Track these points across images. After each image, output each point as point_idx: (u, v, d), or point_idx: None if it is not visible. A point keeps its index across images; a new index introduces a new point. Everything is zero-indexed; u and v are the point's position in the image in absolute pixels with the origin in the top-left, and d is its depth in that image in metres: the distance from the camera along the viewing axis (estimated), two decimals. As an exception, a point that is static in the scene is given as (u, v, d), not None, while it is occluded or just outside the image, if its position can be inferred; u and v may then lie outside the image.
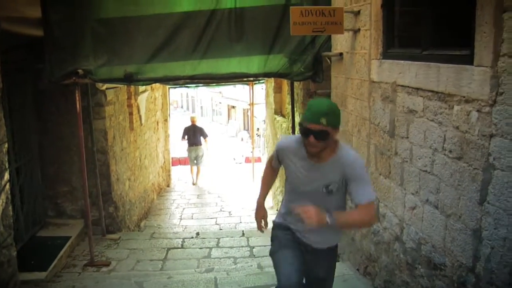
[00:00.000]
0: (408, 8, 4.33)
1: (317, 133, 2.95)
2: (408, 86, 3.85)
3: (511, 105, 2.60)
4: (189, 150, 14.61)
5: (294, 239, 3.44)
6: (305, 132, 3.01)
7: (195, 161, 14.68)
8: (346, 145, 3.34)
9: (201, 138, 14.64)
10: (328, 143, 3.04)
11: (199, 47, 6.10)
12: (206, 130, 15.11)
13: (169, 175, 14.74)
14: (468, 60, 2.96)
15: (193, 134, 14.53)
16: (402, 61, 3.97)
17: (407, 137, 3.92)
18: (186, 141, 14.60)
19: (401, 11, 4.36)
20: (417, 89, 3.69)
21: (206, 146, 14.81)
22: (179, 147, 16.75)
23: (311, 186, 3.21)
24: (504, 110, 2.64)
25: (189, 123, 14.82)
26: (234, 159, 24.44)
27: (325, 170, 3.15)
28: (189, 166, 15.24)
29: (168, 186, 14.30)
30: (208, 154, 15.34)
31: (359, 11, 4.93)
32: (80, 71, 5.89)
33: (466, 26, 3.00)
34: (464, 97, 3.01)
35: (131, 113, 9.22)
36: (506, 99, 2.63)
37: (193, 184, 14.84)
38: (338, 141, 3.18)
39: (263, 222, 3.76)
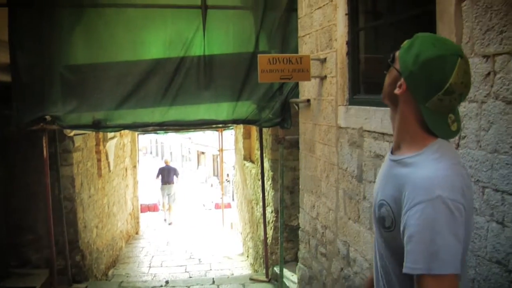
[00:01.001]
0: (372, 55, 4.46)
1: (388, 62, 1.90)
2: (374, 132, 3.93)
3: (474, 149, 2.67)
4: (162, 188, 16.26)
5: None
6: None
7: (168, 199, 16.15)
8: (447, 148, 1.76)
9: (174, 177, 16.42)
10: (388, 77, 1.88)
11: (168, 94, 6.14)
12: (178, 170, 17.19)
13: (138, 222, 14.54)
14: (431, 105, 3.05)
15: (167, 174, 16.32)
16: (368, 107, 4.06)
17: (375, 182, 3.96)
18: (160, 180, 16.26)
19: (365, 58, 4.48)
20: (383, 134, 3.76)
21: (178, 184, 16.65)
22: (148, 194, 17.71)
23: (375, 198, 1.92)
24: (467, 153, 2.72)
25: (163, 165, 16.97)
26: (204, 205, 24.24)
27: (389, 170, 1.84)
28: (159, 211, 16.89)
29: (137, 233, 14.07)
30: (179, 192, 17.21)
31: (325, 59, 5.04)
32: (48, 117, 5.85)
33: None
34: (428, 141, 3.08)
35: (99, 160, 9.13)
36: (468, 142, 2.71)
37: (169, 224, 15.84)
38: (433, 138, 1.74)
39: None
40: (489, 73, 2.55)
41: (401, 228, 1.62)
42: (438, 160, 1.67)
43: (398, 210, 1.67)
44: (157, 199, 19.12)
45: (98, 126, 6.10)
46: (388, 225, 1.74)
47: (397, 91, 1.77)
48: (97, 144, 9.06)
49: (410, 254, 1.56)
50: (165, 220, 15.91)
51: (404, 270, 1.58)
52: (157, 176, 16.52)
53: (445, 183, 1.59)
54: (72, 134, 7.00)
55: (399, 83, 1.77)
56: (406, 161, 1.73)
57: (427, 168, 1.64)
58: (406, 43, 1.83)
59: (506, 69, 2.43)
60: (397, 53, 1.84)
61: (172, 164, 18.36)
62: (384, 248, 1.82)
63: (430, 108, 1.70)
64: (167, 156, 45.68)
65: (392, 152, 1.88)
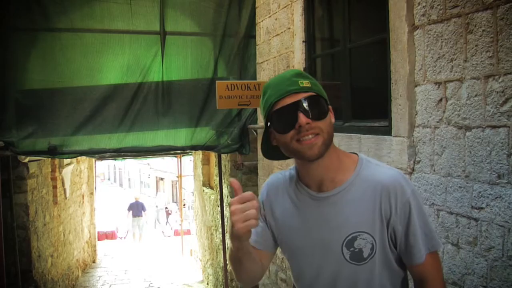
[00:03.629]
0: (329, 81, 4.53)
1: (307, 103, 1.59)
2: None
3: (428, 173, 2.73)
4: (133, 220, 19.09)
5: None
6: (281, 118, 1.61)
7: (138, 229, 18.93)
8: (371, 158, 1.79)
9: (142, 211, 19.39)
10: (330, 127, 1.63)
11: (126, 120, 6.09)
12: (146, 205, 20.37)
13: (95, 250, 14.22)
14: (387, 131, 3.12)
15: (136, 208, 19.29)
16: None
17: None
18: (131, 214, 19.20)
19: (323, 85, 4.54)
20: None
21: (145, 217, 19.72)
22: (105, 221, 19.52)
23: (318, 245, 1.72)
24: (422, 177, 2.78)
25: (133, 200, 20.05)
26: (163, 232, 23.95)
27: (339, 206, 1.68)
28: (116, 239, 19.86)
29: (94, 261, 13.74)
30: (147, 223, 20.29)
31: (283, 85, 5.09)
32: (1, 143, 5.71)
33: (383, 98, 3.18)
34: (384, 166, 3.14)
35: (55, 187, 8.93)
36: (423, 167, 2.77)
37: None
38: (354, 155, 1.76)
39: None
40: (441, 99, 2.62)
41: (389, 232, 1.67)
42: (380, 162, 1.81)
43: (379, 226, 1.65)
44: (127, 230, 21.35)
45: (53, 152, 5.99)
46: (368, 252, 1.66)
47: (333, 119, 1.69)
48: (53, 171, 8.87)
49: (418, 242, 1.66)
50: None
51: (419, 260, 1.67)
52: (128, 210, 19.42)
53: (404, 175, 1.73)
54: (26, 160, 6.84)
55: (330, 111, 1.68)
56: (358, 180, 1.69)
57: (386, 172, 1.71)
58: (308, 82, 1.65)
59: (457, 95, 2.51)
60: (308, 86, 1.64)
61: (128, 193, 21.49)
62: (358, 278, 1.70)
63: None
64: (124, 183, 45.43)
65: (317, 192, 1.72)
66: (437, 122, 2.66)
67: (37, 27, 5.98)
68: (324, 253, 1.70)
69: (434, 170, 2.70)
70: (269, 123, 1.66)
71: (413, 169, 2.86)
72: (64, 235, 9.67)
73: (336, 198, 1.69)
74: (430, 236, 1.68)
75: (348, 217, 1.67)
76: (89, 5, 6.19)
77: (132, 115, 6.09)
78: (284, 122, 1.60)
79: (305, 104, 1.58)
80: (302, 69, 4.59)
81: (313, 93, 1.62)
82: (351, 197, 1.67)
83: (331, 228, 1.69)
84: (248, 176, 7.08)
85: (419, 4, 2.79)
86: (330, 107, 1.67)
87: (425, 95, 2.74)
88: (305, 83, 1.62)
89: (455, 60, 2.52)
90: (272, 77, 1.79)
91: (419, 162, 2.82)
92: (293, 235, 1.79)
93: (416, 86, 2.82)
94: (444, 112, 2.61)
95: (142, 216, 19.29)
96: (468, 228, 2.49)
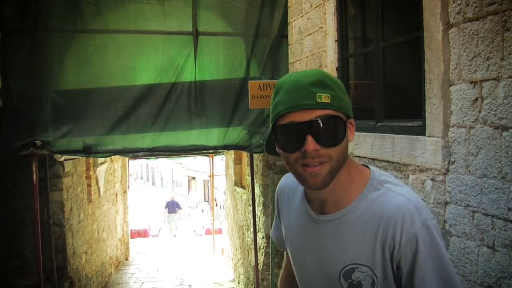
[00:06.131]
0: (361, 81, 4.50)
1: (321, 125, 1.35)
2: (364, 157, 3.94)
3: (463, 174, 2.69)
4: (168, 217, 22.43)
5: None
6: (287, 135, 1.40)
7: (173, 224, 22.10)
8: (388, 175, 1.53)
9: (177, 208, 22.60)
10: (342, 152, 1.41)
11: (159, 119, 6.14)
12: (180, 204, 23.88)
13: (128, 248, 14.40)
14: (421, 131, 3.08)
15: (172, 206, 22.60)
16: (357, 133, 4.08)
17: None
18: (167, 211, 22.51)
19: (355, 84, 4.52)
20: (373, 159, 3.78)
21: (179, 214, 22.91)
22: (138, 219, 20.86)
23: (318, 269, 1.56)
24: (457, 178, 2.73)
25: (169, 199, 23.68)
26: (195, 231, 24.17)
27: (338, 232, 1.49)
28: (149, 237, 21.10)
29: (126, 259, 13.92)
30: (181, 220, 23.43)
31: (316, 84, 5.07)
32: (38, 142, 5.83)
33: (417, 98, 3.14)
34: (418, 166, 3.10)
35: (89, 185, 9.07)
36: (457, 167, 2.73)
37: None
38: (366, 172, 1.51)
39: None
40: (476, 99, 2.58)
41: (394, 269, 1.40)
42: (395, 183, 1.48)
43: (381, 261, 1.41)
44: (160, 228, 24.05)
45: (88, 151, 6.08)
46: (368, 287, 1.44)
47: (352, 136, 1.46)
48: (88, 169, 9.01)
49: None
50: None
51: None
52: (165, 207, 22.87)
53: (419, 203, 1.42)
54: (62, 159, 6.97)
55: (350, 127, 1.45)
56: (362, 206, 1.45)
57: (395, 198, 1.41)
58: (327, 96, 1.36)
59: (494, 94, 2.46)
60: (335, 112, 1.39)
61: (162, 193, 23.09)
62: None
63: None
64: (157, 182, 46.30)
65: (318, 213, 1.54)
66: (473, 122, 2.62)
67: (73, 29, 6.08)
68: (323, 278, 1.54)
69: (469, 171, 2.66)
70: (274, 134, 1.44)
71: (447, 170, 2.82)
72: (98, 232, 9.82)
73: (336, 223, 1.48)
74: (447, 282, 1.36)
75: (346, 246, 1.46)
76: (123, 6, 6.26)
77: (166, 115, 6.14)
78: (289, 141, 1.39)
79: (318, 126, 1.34)
80: (335, 69, 4.57)
81: (331, 112, 1.36)
82: (351, 223, 1.45)
83: (329, 254, 1.51)
84: (280, 176, 7.07)
85: (454, 1, 2.75)
86: (351, 122, 1.45)
87: (460, 95, 2.70)
88: (324, 97, 1.34)
89: (492, 58, 2.47)
90: (289, 74, 1.54)
91: (453, 162, 2.77)
92: (295, 251, 1.66)
93: (451, 85, 2.78)
94: (479, 111, 2.57)
95: (176, 213, 22.46)
96: (505, 230, 2.44)
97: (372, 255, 1.41)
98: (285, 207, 1.68)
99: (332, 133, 1.36)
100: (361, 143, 3.98)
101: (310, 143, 1.33)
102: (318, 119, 1.34)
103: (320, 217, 1.51)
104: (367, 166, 1.54)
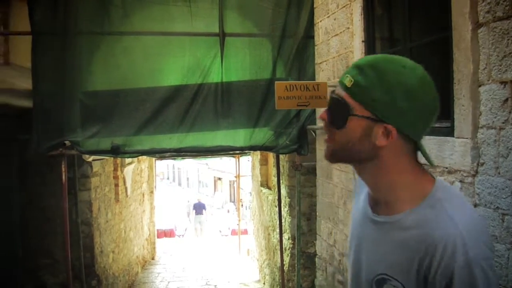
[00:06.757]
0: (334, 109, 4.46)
1: (331, 105, 1.42)
2: (391, 158, 3.91)
3: (492, 175, 2.65)
4: (195, 218, 22.85)
5: None
6: None
7: (199, 225, 22.56)
8: (452, 191, 1.43)
9: (203, 210, 23.06)
10: (347, 141, 1.38)
11: (186, 120, 6.18)
12: (206, 205, 24.76)
13: (154, 248, 14.54)
14: (449, 132, 3.04)
15: (199, 207, 23.04)
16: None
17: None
18: (194, 212, 23.12)
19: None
20: (401, 160, 3.75)
21: (206, 215, 23.37)
22: (164, 219, 20.89)
23: (360, 270, 1.53)
24: (486, 180, 2.69)
25: (196, 201, 24.24)
26: (220, 231, 24.39)
27: (383, 237, 1.43)
28: (175, 236, 22.43)
29: (153, 258, 14.05)
30: (207, 220, 23.94)
31: (342, 85, 5.05)
32: (67, 142, 5.92)
33: (445, 99, 3.10)
34: (446, 168, 3.07)
35: (117, 185, 9.19)
36: (487, 169, 2.69)
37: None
38: (429, 183, 1.39)
39: None
40: (507, 99, 2.54)
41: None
42: (456, 206, 1.34)
43: (414, 282, 1.32)
44: (186, 228, 25.27)
45: (116, 151, 6.15)
46: None
47: (381, 142, 1.35)
48: (115, 170, 9.13)
49: None
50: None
51: None
52: (192, 209, 23.45)
53: (470, 236, 1.26)
54: (90, 159, 7.07)
55: (379, 131, 1.34)
56: (408, 220, 1.36)
57: (446, 223, 1.29)
58: (350, 80, 1.35)
59: (524, 95, 2.43)
60: (348, 98, 1.36)
61: (188, 193, 24.29)
62: None
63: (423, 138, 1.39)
64: (183, 183, 46.88)
65: (372, 211, 1.48)
66: (503, 123, 2.58)
67: (100, 31, 6.16)
68: (361, 279, 1.51)
69: (499, 173, 2.61)
70: None
71: (476, 172, 2.78)
72: (125, 232, 9.93)
73: (384, 228, 1.42)
74: None
75: (386, 254, 1.40)
76: (149, 8, 6.32)
77: (192, 116, 6.17)
78: None
79: (329, 103, 1.41)
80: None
81: (344, 97, 1.36)
82: (397, 234, 1.38)
83: (369, 255, 1.48)
84: (306, 177, 7.07)
85: (483, 0, 2.71)
86: (386, 128, 1.33)
87: (490, 95, 2.66)
88: (348, 80, 1.35)
89: (523, 59, 2.44)
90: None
91: (483, 164, 2.73)
92: (351, 244, 1.64)
93: (480, 86, 2.74)
94: (510, 112, 2.52)
95: (202, 214, 22.90)
96: (535, 233, 2.40)
97: (407, 273, 1.33)
98: (357, 198, 1.67)
99: (334, 115, 1.39)
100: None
101: (322, 113, 1.42)
102: (331, 98, 1.40)
103: (373, 215, 1.47)
104: (434, 177, 1.42)
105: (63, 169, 6.07)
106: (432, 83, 1.34)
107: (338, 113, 1.38)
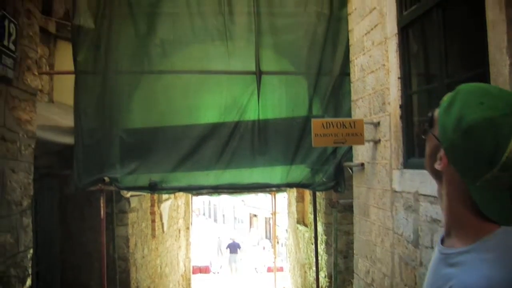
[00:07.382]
0: (425, 118, 4.43)
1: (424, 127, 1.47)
2: (430, 195, 3.85)
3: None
4: (230, 256, 23.64)
5: None
6: None
7: (234, 264, 23.35)
8: (505, 244, 1.23)
9: (238, 249, 23.97)
10: (427, 147, 1.43)
11: (223, 157, 6.21)
12: (241, 245, 25.46)
13: (189, 284, 14.49)
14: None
15: (233, 247, 23.99)
16: (423, 170, 4.00)
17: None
18: (228, 251, 23.92)
19: (419, 121, 4.46)
20: (425, 195, 3.69)
21: (240, 254, 24.16)
22: (200, 255, 21.34)
23: None
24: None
25: (231, 241, 25.01)
26: (256, 268, 24.17)
27: (437, 269, 1.38)
28: (210, 273, 22.75)
29: (188, 295, 14.02)
30: (241, 259, 24.75)
31: (378, 122, 5.04)
32: (106, 178, 6.02)
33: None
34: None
35: (153, 221, 9.25)
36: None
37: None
38: (494, 228, 1.26)
39: None
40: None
41: None
42: (493, 261, 1.20)
43: None
44: (221, 265, 25.59)
45: (154, 188, 6.22)
46: None
47: (437, 165, 1.34)
48: (152, 205, 9.21)
49: None
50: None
51: None
52: (226, 248, 24.30)
53: None
54: (128, 195, 7.17)
55: (439, 154, 1.34)
56: (453, 259, 1.28)
57: (474, 274, 1.19)
58: (446, 98, 1.37)
59: None
60: (436, 113, 1.39)
61: (223, 229, 25.51)
62: None
63: (483, 187, 1.24)
64: (219, 219, 47.15)
65: (443, 240, 1.41)
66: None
67: (140, 70, 6.30)
68: None
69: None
70: None
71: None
72: (160, 267, 9.95)
73: (439, 258, 1.37)
74: None
75: (431, 285, 1.36)
76: (188, 48, 6.44)
77: (229, 153, 6.21)
78: None
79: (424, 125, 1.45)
80: (398, 106, 4.54)
81: (426, 127, 1.42)
82: (443, 268, 1.32)
83: (425, 283, 1.43)
84: (343, 214, 7.00)
85: (521, 37, 2.69)
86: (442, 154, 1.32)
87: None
88: (436, 113, 1.38)
89: None
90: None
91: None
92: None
93: None
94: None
95: (237, 253, 23.87)
96: None
97: None
98: None
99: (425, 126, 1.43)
100: (426, 181, 3.90)
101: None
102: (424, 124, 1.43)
103: (439, 245, 1.40)
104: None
105: (101, 205, 6.17)
106: (507, 133, 1.18)
107: (425, 125, 1.44)
